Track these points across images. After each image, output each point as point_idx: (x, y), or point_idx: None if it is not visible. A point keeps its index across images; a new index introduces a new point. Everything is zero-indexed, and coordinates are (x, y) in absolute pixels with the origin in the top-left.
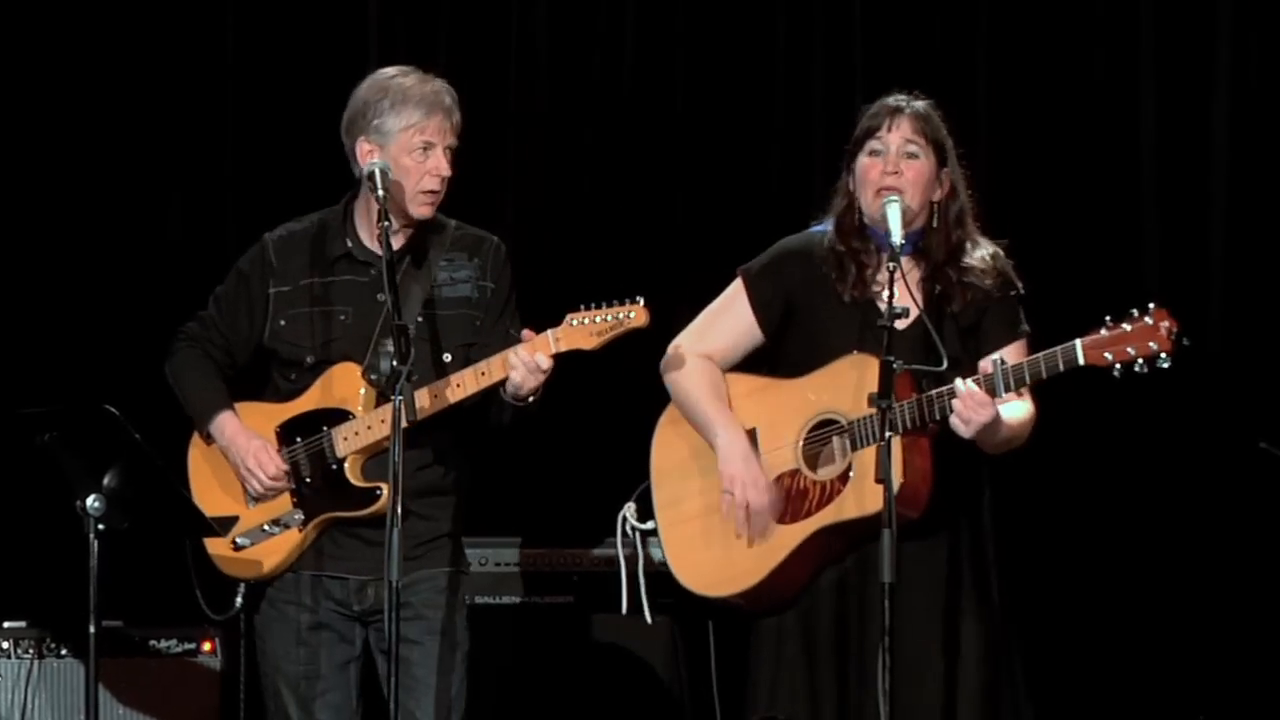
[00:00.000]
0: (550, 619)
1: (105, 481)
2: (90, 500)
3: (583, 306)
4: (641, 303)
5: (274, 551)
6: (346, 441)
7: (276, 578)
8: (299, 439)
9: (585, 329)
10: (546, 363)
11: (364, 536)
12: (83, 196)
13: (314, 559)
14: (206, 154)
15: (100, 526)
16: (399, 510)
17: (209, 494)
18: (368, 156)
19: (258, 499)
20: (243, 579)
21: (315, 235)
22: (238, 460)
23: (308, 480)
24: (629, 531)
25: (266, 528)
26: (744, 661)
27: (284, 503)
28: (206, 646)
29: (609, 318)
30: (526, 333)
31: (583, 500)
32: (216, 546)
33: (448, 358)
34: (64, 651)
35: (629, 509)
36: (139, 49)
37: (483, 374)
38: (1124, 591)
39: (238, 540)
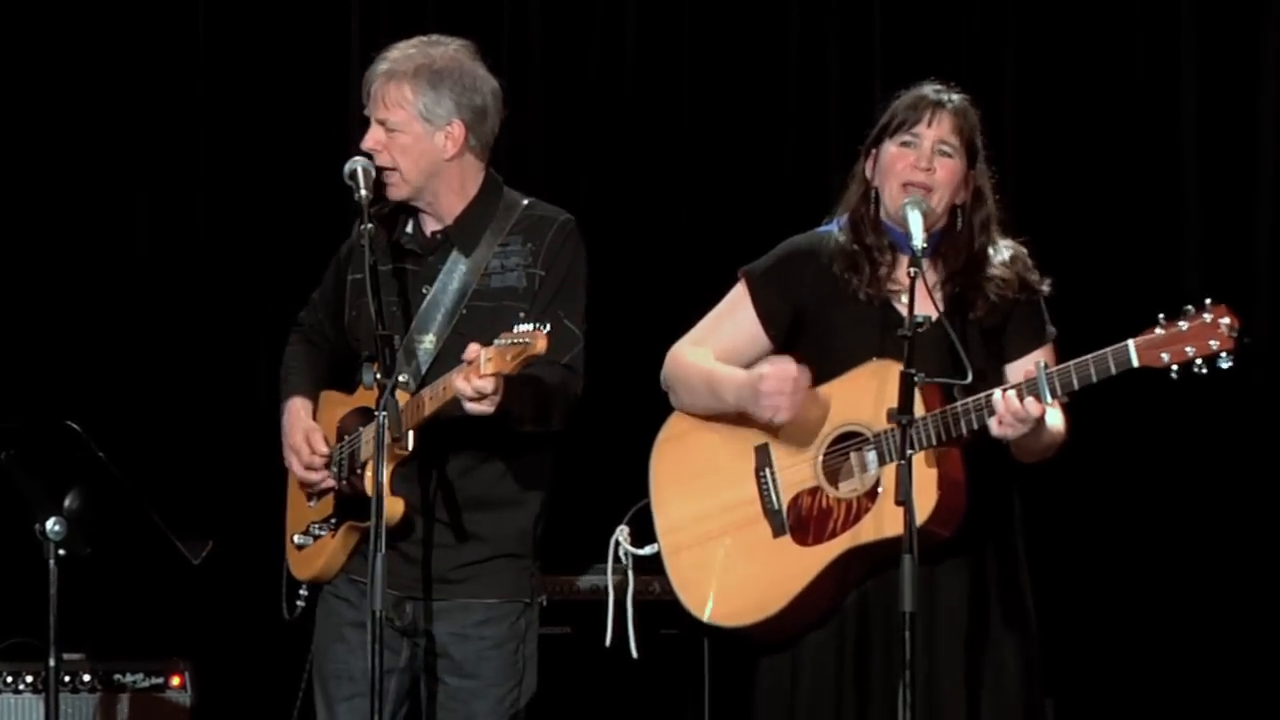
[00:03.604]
0: (545, 650)
1: (66, 503)
2: (50, 523)
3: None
4: (546, 329)
5: (319, 554)
6: (369, 444)
7: (330, 580)
8: (346, 436)
9: (502, 352)
10: (478, 386)
11: (400, 549)
12: (43, 197)
13: (359, 565)
14: (176, 151)
15: (61, 551)
16: (382, 536)
17: (293, 490)
18: None
19: (312, 494)
20: (303, 579)
21: (390, 220)
22: (285, 445)
23: (345, 481)
24: (623, 557)
25: (315, 528)
26: (748, 699)
27: (329, 504)
28: (175, 681)
29: (516, 340)
30: (470, 350)
31: (576, 520)
32: (288, 545)
33: None
34: (21, 686)
35: (622, 532)
36: (102, 36)
37: (444, 389)
38: (1165, 613)
39: (296, 539)
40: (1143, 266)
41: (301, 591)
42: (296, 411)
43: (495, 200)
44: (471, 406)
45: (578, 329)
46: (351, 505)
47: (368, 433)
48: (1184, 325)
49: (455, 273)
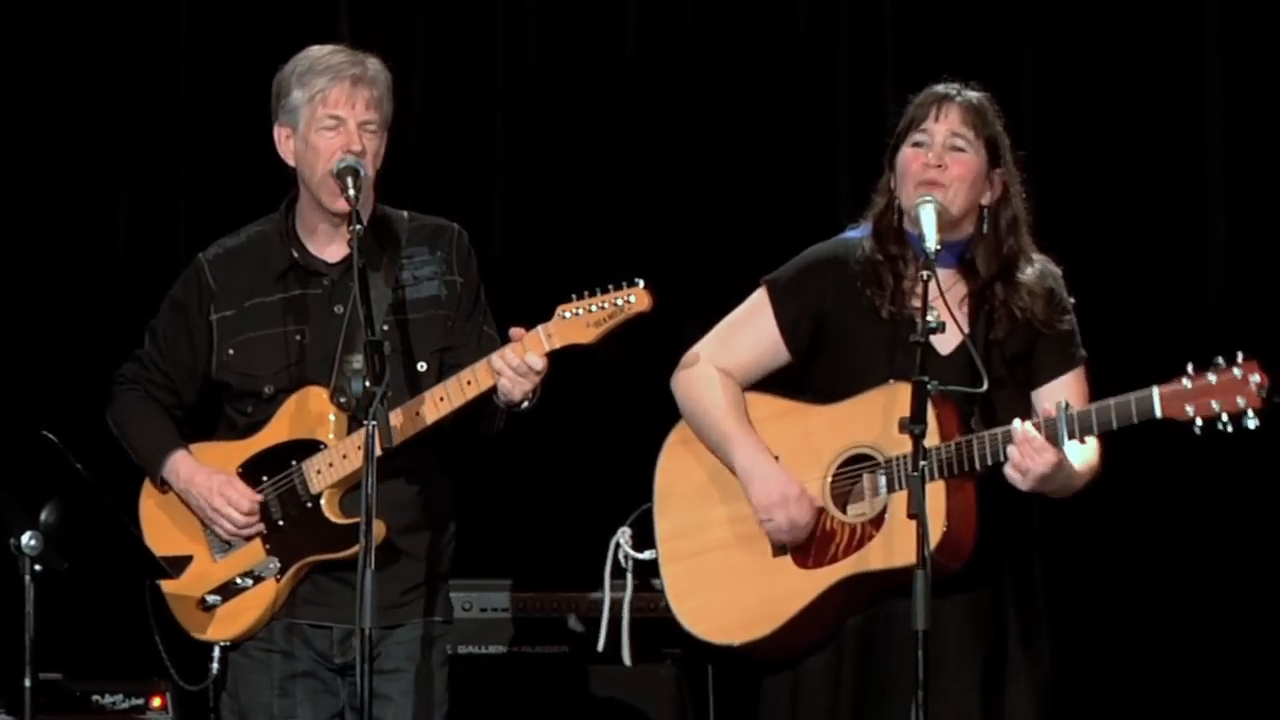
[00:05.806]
0: (542, 670)
1: (42, 517)
2: (26, 538)
3: (574, 296)
4: (641, 285)
5: (249, 607)
6: (320, 475)
7: (255, 635)
8: (265, 478)
9: (580, 320)
10: (539, 363)
11: (349, 580)
12: (21, 197)
13: (293, 607)
14: (156, 151)
15: (37, 567)
16: (373, 548)
17: (169, 547)
18: (285, 144)
19: (227, 547)
20: (217, 641)
21: (256, 249)
22: (202, 503)
23: (280, 523)
24: (623, 560)
25: (238, 581)
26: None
27: (255, 551)
28: (156, 702)
29: (605, 305)
30: (515, 330)
31: (581, 535)
32: (182, 611)
33: (422, 366)
34: None
35: (623, 534)
36: (83, 34)
37: (469, 383)
38: (1185, 640)
39: (207, 599)
40: (1166, 270)
41: (216, 652)
42: (194, 468)
43: (386, 213)
44: (514, 388)
45: (497, 337)
46: (303, 542)
47: (314, 464)
48: (1212, 378)
49: (369, 289)
